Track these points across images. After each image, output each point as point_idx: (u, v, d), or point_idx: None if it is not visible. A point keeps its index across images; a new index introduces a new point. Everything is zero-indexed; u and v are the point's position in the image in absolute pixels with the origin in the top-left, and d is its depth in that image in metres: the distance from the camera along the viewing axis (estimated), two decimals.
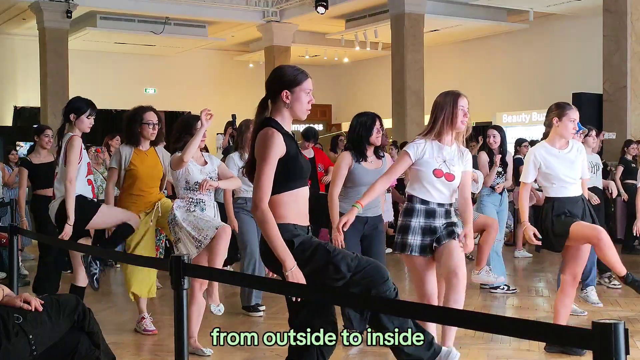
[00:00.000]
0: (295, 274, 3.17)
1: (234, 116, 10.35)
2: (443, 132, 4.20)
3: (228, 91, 19.30)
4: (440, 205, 4.18)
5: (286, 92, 3.30)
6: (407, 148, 4.22)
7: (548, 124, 4.93)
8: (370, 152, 5.26)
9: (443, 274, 4.22)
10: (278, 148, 3.22)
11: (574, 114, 4.84)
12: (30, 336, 3.52)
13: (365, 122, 5.26)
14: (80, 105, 5.26)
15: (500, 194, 7.45)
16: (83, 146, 5.28)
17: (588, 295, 6.43)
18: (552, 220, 4.78)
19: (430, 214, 4.15)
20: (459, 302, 4.17)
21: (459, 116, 4.19)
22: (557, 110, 4.86)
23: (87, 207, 5.26)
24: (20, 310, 3.55)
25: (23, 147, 15.37)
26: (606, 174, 9.82)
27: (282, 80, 3.32)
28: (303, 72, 3.37)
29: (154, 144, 5.67)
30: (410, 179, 4.27)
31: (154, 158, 5.66)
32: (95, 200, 5.47)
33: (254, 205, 3.22)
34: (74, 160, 5.14)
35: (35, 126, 16.14)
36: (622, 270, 4.77)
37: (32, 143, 16.01)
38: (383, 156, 5.39)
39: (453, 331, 4.28)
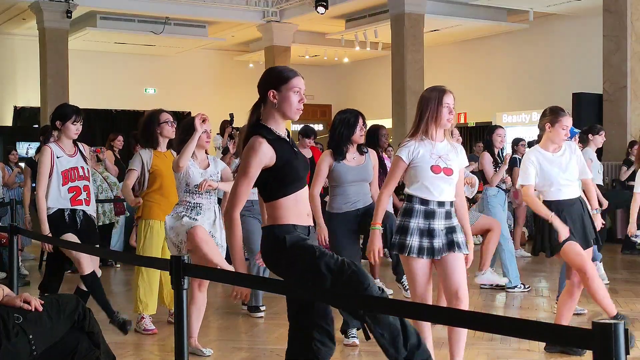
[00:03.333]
0: (240, 288, 3.32)
1: (231, 115, 10.35)
2: (429, 129, 4.15)
3: (228, 91, 19.29)
4: (440, 204, 4.11)
5: (272, 92, 3.27)
6: (399, 152, 4.13)
7: (541, 128, 4.93)
8: (352, 150, 5.27)
9: (445, 293, 4.17)
10: (262, 159, 3.22)
11: (566, 121, 4.83)
12: (30, 336, 3.52)
13: (348, 119, 5.25)
14: (65, 112, 5.29)
15: (506, 192, 7.45)
16: (56, 155, 5.26)
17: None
18: (548, 226, 4.79)
19: (429, 214, 4.08)
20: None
21: (443, 114, 4.09)
22: (550, 116, 4.86)
23: (60, 228, 5.25)
24: (21, 310, 3.56)
25: (26, 148, 15.38)
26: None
27: (268, 80, 3.31)
28: (291, 71, 3.33)
29: (170, 145, 5.72)
30: (409, 180, 4.20)
31: (172, 159, 5.68)
32: (78, 209, 5.40)
33: (225, 211, 3.30)
34: (42, 174, 5.21)
35: (35, 126, 16.29)
36: (612, 311, 4.80)
37: (29, 143, 16.18)
38: (366, 152, 5.37)
39: (461, 347, 4.18)
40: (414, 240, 4.08)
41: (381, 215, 4.18)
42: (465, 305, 4.08)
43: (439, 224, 4.08)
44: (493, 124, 16.70)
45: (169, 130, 5.64)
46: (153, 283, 5.74)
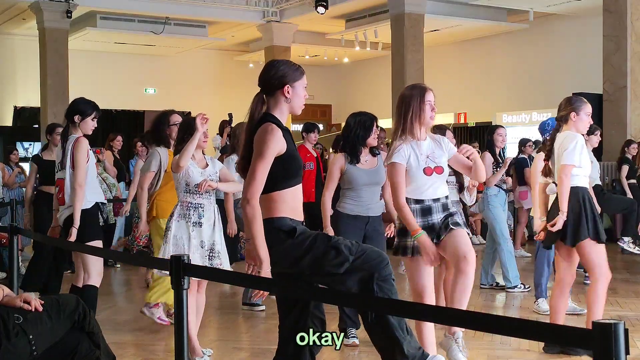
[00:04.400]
0: (265, 274, 3.23)
1: (230, 115, 10.32)
2: (414, 129, 4.13)
3: (228, 91, 19.29)
4: (435, 200, 4.13)
5: (288, 87, 3.33)
6: (395, 158, 4.10)
7: (564, 119, 4.88)
8: (365, 152, 5.23)
9: (452, 261, 4.14)
10: (277, 144, 3.24)
11: (588, 108, 4.86)
12: (31, 336, 3.52)
13: (364, 122, 5.19)
14: (85, 108, 5.25)
15: (506, 192, 7.42)
16: (89, 147, 5.27)
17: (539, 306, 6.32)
18: (589, 208, 4.72)
19: (426, 211, 4.10)
20: (468, 287, 4.10)
21: (426, 112, 4.10)
22: (573, 105, 4.83)
23: (93, 226, 5.15)
24: (21, 310, 3.56)
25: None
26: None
27: (281, 75, 3.34)
28: (300, 68, 3.42)
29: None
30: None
31: None
32: (104, 217, 5.44)
33: (244, 200, 3.22)
34: (82, 163, 5.10)
35: (35, 126, 16.29)
36: (597, 317, 4.72)
37: (27, 143, 16.20)
38: (379, 154, 5.35)
39: (432, 337, 4.24)
40: (415, 241, 4.08)
41: (413, 222, 4.09)
42: (473, 269, 4.08)
43: (438, 217, 4.12)
44: (493, 124, 16.76)
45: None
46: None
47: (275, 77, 3.35)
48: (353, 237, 5.11)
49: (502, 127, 7.72)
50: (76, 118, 5.20)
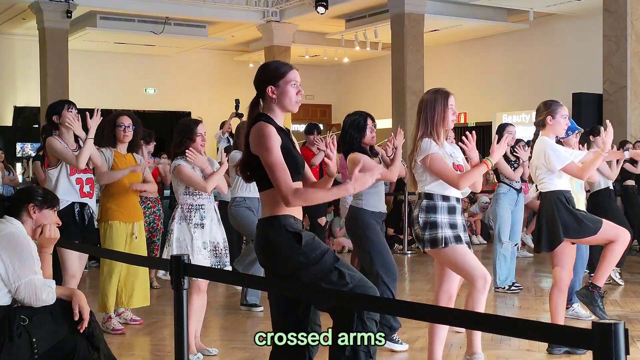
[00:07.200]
0: (360, 178, 3.16)
1: (237, 100, 10.15)
2: (438, 132, 4.20)
3: (228, 91, 19.26)
4: (457, 200, 4.20)
5: (271, 88, 3.31)
6: (432, 149, 4.14)
7: (541, 124, 4.93)
8: (367, 150, 5.30)
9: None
10: (276, 137, 3.21)
11: (564, 111, 4.92)
12: (34, 339, 3.52)
13: (357, 121, 5.24)
14: (57, 106, 5.46)
15: (518, 192, 7.34)
16: (64, 145, 5.33)
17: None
18: (569, 210, 4.77)
19: (452, 210, 4.17)
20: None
21: (449, 116, 4.20)
22: (548, 109, 4.91)
23: (68, 226, 5.10)
24: (28, 311, 3.56)
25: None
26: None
27: (265, 77, 3.34)
28: (286, 65, 3.37)
29: (130, 148, 5.84)
30: (428, 178, 4.22)
31: (132, 162, 5.83)
32: (87, 205, 5.44)
33: (285, 201, 3.15)
34: (64, 152, 5.24)
35: (35, 126, 16.29)
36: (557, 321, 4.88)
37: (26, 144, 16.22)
38: (378, 154, 5.42)
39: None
40: (446, 232, 4.10)
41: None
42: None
43: (460, 219, 4.21)
44: (493, 124, 16.77)
45: (120, 134, 5.73)
46: (114, 283, 5.81)
47: (261, 80, 3.35)
48: (381, 234, 5.22)
49: (512, 124, 7.60)
50: (55, 119, 5.39)
